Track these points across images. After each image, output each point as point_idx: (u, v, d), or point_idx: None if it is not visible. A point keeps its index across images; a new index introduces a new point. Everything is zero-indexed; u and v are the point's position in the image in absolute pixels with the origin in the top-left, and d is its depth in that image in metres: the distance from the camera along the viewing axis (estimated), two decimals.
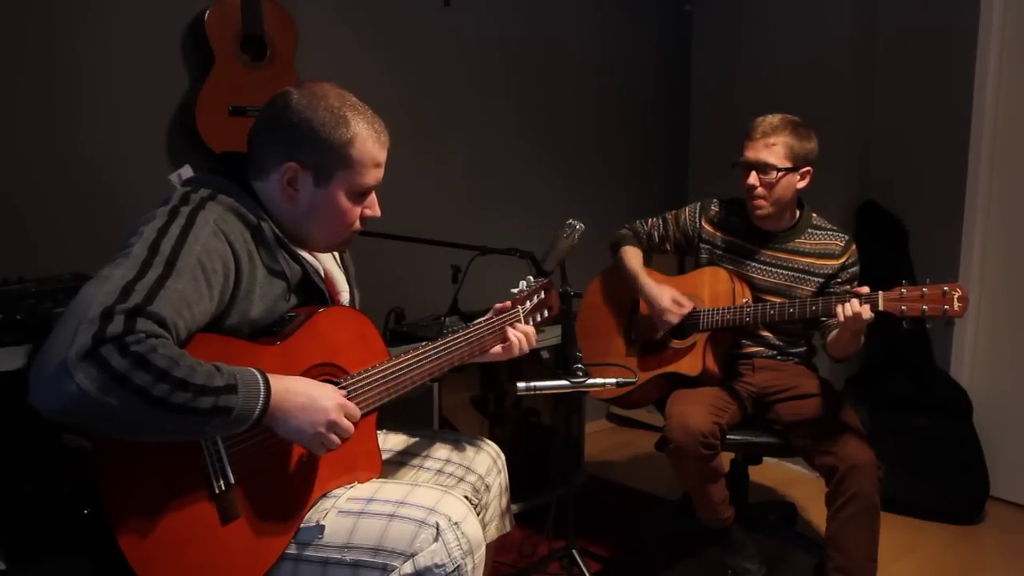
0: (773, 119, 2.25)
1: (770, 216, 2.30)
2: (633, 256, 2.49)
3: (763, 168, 2.23)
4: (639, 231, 2.55)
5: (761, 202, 2.26)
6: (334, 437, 1.34)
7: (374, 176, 1.48)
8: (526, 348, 1.78)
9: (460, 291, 2.50)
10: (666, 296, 2.34)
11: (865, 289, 2.02)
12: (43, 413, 1.11)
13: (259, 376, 1.26)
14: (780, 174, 2.22)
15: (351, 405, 1.38)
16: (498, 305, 1.80)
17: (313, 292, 1.51)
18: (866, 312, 1.96)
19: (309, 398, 1.31)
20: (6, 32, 2.24)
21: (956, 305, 1.91)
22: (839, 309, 2.00)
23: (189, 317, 1.23)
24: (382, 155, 1.49)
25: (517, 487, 1.93)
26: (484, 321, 1.74)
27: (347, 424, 1.35)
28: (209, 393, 1.17)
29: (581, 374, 1.85)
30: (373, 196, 1.52)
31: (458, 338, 1.66)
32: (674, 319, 2.32)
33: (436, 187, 3.15)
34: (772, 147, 2.22)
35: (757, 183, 2.23)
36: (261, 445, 1.35)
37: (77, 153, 2.38)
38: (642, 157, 3.83)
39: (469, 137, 3.24)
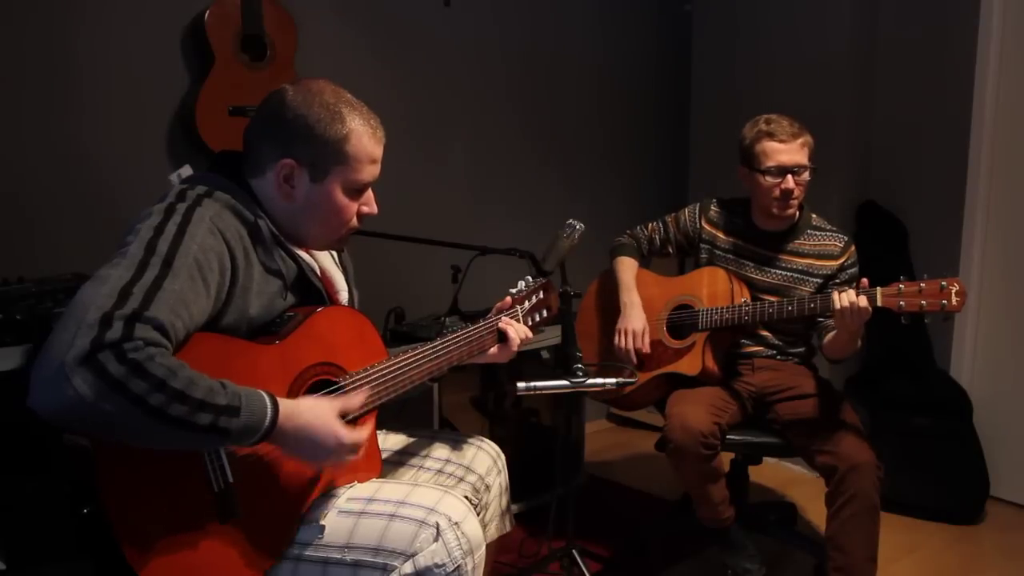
0: (789, 119, 2.24)
1: (791, 217, 2.30)
2: (626, 267, 2.48)
3: (799, 170, 2.22)
4: (639, 237, 2.55)
5: (795, 202, 2.25)
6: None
7: (370, 172, 1.47)
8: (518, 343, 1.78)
9: (460, 291, 2.49)
10: (633, 321, 2.36)
11: (864, 282, 2.00)
12: (41, 416, 1.11)
13: (268, 401, 1.24)
14: (810, 173, 2.23)
15: (357, 435, 1.36)
16: (499, 304, 1.80)
17: (310, 290, 1.51)
18: (863, 302, 1.95)
19: (312, 443, 1.30)
20: (6, 32, 2.24)
21: (954, 300, 1.89)
22: (835, 297, 1.99)
23: (187, 317, 1.23)
24: (378, 151, 1.48)
25: (517, 487, 1.93)
26: (483, 321, 1.74)
27: (351, 459, 1.37)
28: (208, 410, 1.16)
29: (581, 374, 1.85)
30: (370, 193, 1.51)
31: (457, 338, 1.66)
32: (617, 339, 2.36)
33: (436, 187, 3.15)
34: (804, 147, 2.22)
35: (794, 186, 2.21)
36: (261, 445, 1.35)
37: (77, 153, 2.38)
38: (642, 157, 3.83)
39: (469, 137, 3.24)
